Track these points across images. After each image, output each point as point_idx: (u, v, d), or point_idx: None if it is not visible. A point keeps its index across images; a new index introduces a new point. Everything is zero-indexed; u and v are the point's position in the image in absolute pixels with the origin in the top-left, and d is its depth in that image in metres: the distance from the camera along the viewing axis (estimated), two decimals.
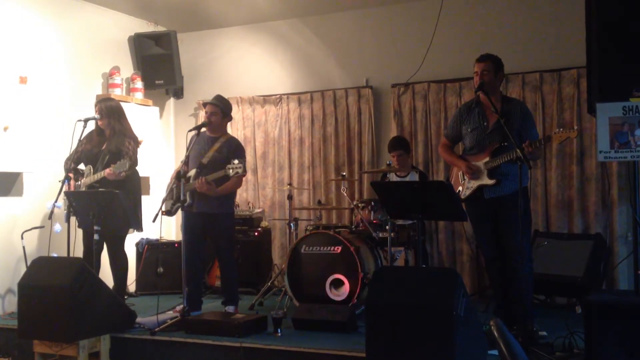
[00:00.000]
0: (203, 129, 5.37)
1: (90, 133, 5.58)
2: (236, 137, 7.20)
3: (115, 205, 4.97)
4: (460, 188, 4.74)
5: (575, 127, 4.42)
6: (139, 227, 5.55)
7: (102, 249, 5.40)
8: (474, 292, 6.15)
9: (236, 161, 4.98)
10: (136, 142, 5.58)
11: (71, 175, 5.48)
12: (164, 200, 5.30)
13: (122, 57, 7.20)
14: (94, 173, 5.39)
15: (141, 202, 5.68)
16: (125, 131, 5.57)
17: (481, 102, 4.67)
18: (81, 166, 5.58)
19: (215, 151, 5.36)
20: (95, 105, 5.65)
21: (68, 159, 5.57)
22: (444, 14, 6.39)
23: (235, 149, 5.40)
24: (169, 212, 5.39)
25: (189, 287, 5.25)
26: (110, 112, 5.54)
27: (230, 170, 4.98)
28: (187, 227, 5.17)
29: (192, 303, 5.24)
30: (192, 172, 5.32)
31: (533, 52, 6.17)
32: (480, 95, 4.61)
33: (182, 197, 5.00)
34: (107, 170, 5.22)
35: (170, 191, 5.38)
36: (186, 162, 5.31)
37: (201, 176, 5.20)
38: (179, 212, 5.29)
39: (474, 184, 4.63)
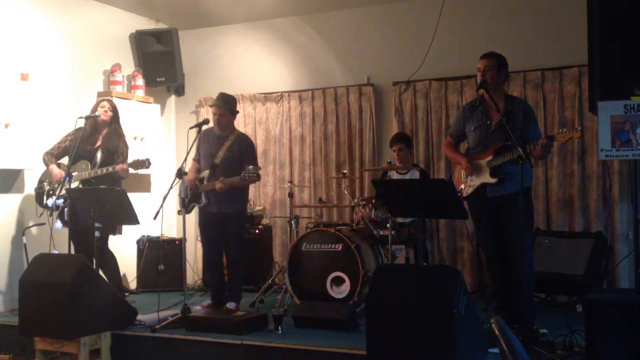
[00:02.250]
0: (210, 127, 5.41)
1: (84, 130, 5.49)
2: None
3: (117, 202, 4.96)
4: (462, 186, 4.74)
5: (579, 128, 4.40)
6: (117, 230, 5.61)
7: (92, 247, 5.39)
8: (475, 290, 6.15)
9: (251, 167, 5.04)
10: (127, 147, 5.62)
11: (52, 167, 5.49)
12: (184, 199, 5.26)
13: (124, 55, 7.20)
14: (92, 168, 5.39)
15: None
16: (122, 134, 5.63)
17: (485, 100, 4.66)
18: (63, 160, 5.58)
19: (226, 151, 5.38)
20: (105, 101, 5.64)
21: (48, 153, 5.57)
22: (445, 12, 6.38)
23: (246, 148, 5.44)
24: (186, 210, 5.41)
25: (214, 282, 5.48)
26: (116, 112, 5.61)
27: (247, 177, 5.03)
28: (204, 224, 5.38)
29: (214, 298, 5.43)
30: (204, 174, 5.37)
31: (534, 50, 6.16)
32: (483, 94, 4.61)
33: (182, 195, 5.02)
34: (122, 166, 5.24)
35: (182, 200, 5.26)
36: (197, 159, 5.49)
37: (215, 176, 5.27)
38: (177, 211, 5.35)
39: (476, 182, 4.62)
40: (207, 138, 5.43)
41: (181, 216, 5.12)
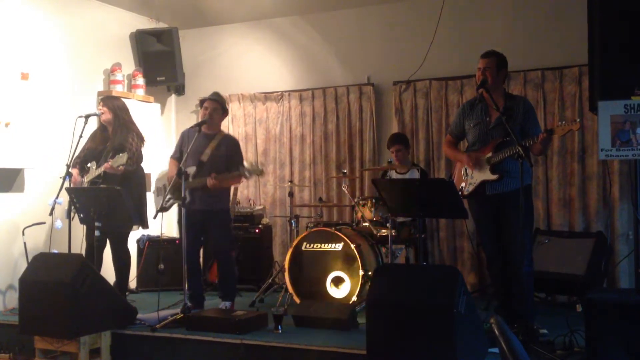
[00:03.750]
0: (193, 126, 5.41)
1: (94, 132, 5.61)
2: (237, 134, 7.26)
3: (116, 202, 4.97)
4: (463, 184, 4.73)
5: (578, 120, 4.39)
6: (144, 224, 5.56)
7: (105, 245, 5.41)
8: (475, 289, 6.15)
9: (246, 166, 5.04)
10: (140, 139, 5.59)
11: (72, 171, 5.47)
12: (164, 197, 5.28)
13: (124, 54, 7.20)
14: (96, 169, 5.41)
15: (146, 199, 5.68)
16: (130, 127, 5.58)
17: (484, 98, 4.67)
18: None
19: (213, 149, 5.36)
20: (100, 102, 5.65)
21: (77, 157, 5.56)
22: (445, 12, 6.38)
23: (233, 147, 5.45)
24: (164, 208, 5.37)
25: (192, 285, 5.29)
26: (116, 109, 5.58)
27: (247, 173, 5.04)
28: (188, 223, 5.19)
29: (194, 300, 5.28)
30: (190, 170, 5.32)
31: (535, 50, 6.16)
32: (482, 92, 4.61)
33: (182, 195, 5.01)
34: (106, 165, 5.23)
35: (183, 199, 5.13)
36: (185, 159, 5.34)
37: (202, 174, 5.23)
38: (173, 209, 5.30)
39: (477, 179, 4.62)
40: (192, 136, 5.33)
41: (178, 215, 5.12)
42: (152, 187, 7.21)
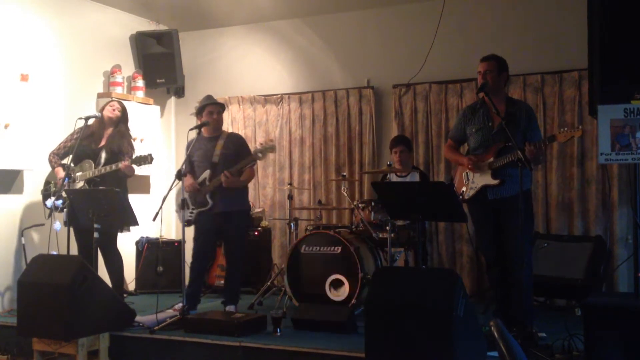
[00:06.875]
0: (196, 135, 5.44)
1: (87, 129, 5.53)
2: None
3: (115, 203, 4.96)
4: (464, 189, 4.73)
5: (580, 127, 4.40)
6: (128, 228, 5.62)
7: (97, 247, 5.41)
8: (474, 293, 6.14)
9: (258, 146, 5.25)
10: (132, 148, 5.63)
11: (56, 171, 5.49)
12: (180, 210, 5.18)
13: (124, 56, 7.20)
14: (95, 168, 5.40)
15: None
16: (127, 134, 5.64)
17: (485, 103, 4.67)
18: (67, 160, 5.58)
19: (222, 148, 5.43)
20: (113, 101, 5.70)
21: (54, 154, 5.58)
22: (445, 15, 6.39)
23: (241, 143, 5.57)
24: (189, 222, 5.39)
25: (193, 287, 5.32)
26: (125, 114, 5.68)
27: (260, 154, 5.21)
28: (202, 227, 5.34)
29: (192, 302, 5.29)
30: (205, 174, 5.38)
31: (534, 54, 6.17)
32: (483, 97, 4.61)
33: (182, 197, 5.03)
34: (125, 163, 5.25)
35: (182, 201, 5.14)
36: (189, 163, 5.42)
37: (216, 174, 5.30)
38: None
39: (478, 184, 4.62)
40: (199, 143, 5.47)
41: (180, 218, 5.12)
42: (150, 189, 7.22)
